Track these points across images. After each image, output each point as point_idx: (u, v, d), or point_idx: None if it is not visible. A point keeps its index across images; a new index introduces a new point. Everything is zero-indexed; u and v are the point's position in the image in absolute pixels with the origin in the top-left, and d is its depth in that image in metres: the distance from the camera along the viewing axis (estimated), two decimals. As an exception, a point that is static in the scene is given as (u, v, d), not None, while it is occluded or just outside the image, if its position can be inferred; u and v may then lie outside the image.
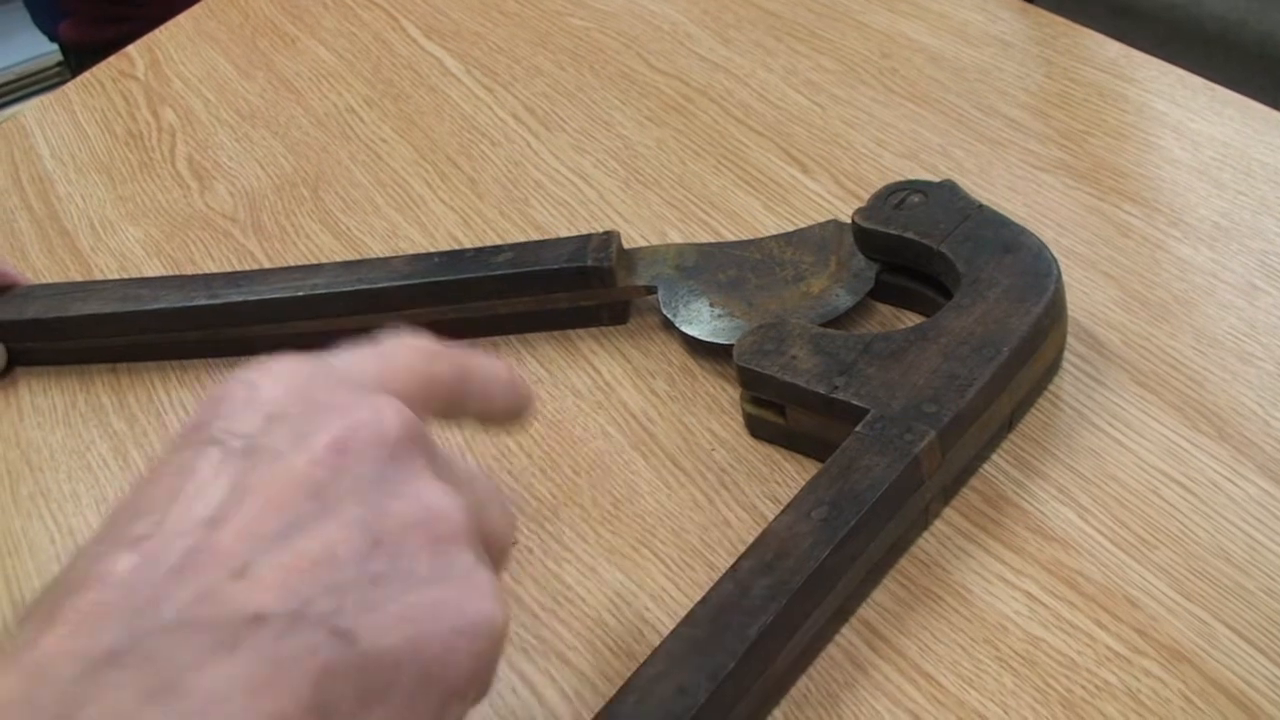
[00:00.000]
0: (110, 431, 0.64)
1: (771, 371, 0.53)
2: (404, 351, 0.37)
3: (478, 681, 0.32)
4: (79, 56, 1.58)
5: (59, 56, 1.82)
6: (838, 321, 0.58)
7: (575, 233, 0.67)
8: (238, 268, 0.72)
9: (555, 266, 0.61)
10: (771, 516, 0.48)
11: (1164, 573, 0.48)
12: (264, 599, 0.28)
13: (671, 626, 0.45)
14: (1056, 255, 0.54)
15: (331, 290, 0.63)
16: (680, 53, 0.80)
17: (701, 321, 0.59)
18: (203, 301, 0.64)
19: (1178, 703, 0.44)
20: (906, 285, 0.59)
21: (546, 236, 0.68)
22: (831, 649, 0.48)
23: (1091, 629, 0.46)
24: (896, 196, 0.59)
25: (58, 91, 0.93)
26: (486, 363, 0.39)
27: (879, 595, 0.49)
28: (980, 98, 0.71)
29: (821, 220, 0.63)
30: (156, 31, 0.96)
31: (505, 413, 0.41)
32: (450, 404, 0.38)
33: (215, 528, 0.29)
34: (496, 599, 0.32)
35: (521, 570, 0.53)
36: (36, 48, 2.30)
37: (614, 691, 0.43)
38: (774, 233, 0.63)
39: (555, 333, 0.63)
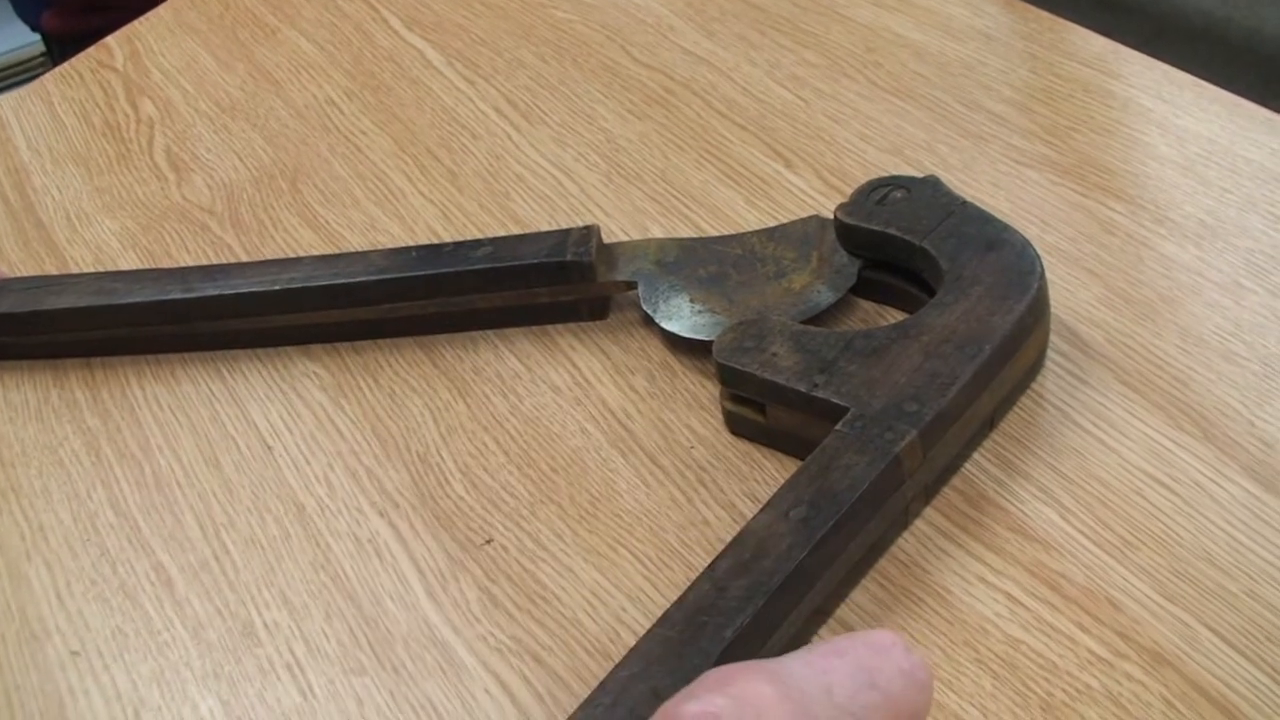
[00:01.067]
0: (83, 427, 0.63)
1: (751, 369, 0.52)
2: (910, 691, 0.32)
3: None
4: (62, 47, 1.57)
5: (42, 47, 1.81)
6: (819, 318, 0.57)
7: (556, 227, 0.66)
8: (214, 261, 0.71)
9: (534, 261, 0.60)
10: (750, 515, 0.47)
11: (1146, 575, 0.47)
12: None
13: (648, 627, 0.44)
14: (1040, 252, 0.54)
15: (308, 284, 0.62)
16: (663, 46, 0.79)
17: (682, 317, 0.58)
18: (178, 295, 0.64)
19: (1159, 707, 0.43)
20: (889, 282, 0.58)
21: (527, 230, 0.67)
22: (810, 650, 0.47)
23: (1073, 631, 0.46)
24: (879, 192, 0.58)
25: (35, 83, 0.92)
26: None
27: (858, 596, 0.48)
28: (964, 93, 0.70)
29: (804, 215, 0.62)
30: (136, 22, 0.95)
31: None
32: None
33: None
34: None
35: (496, 569, 0.52)
36: (19, 38, 2.29)
37: (588, 693, 0.42)
38: (756, 228, 0.63)
39: (534, 328, 0.62)
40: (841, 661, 0.31)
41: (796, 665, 0.31)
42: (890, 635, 0.33)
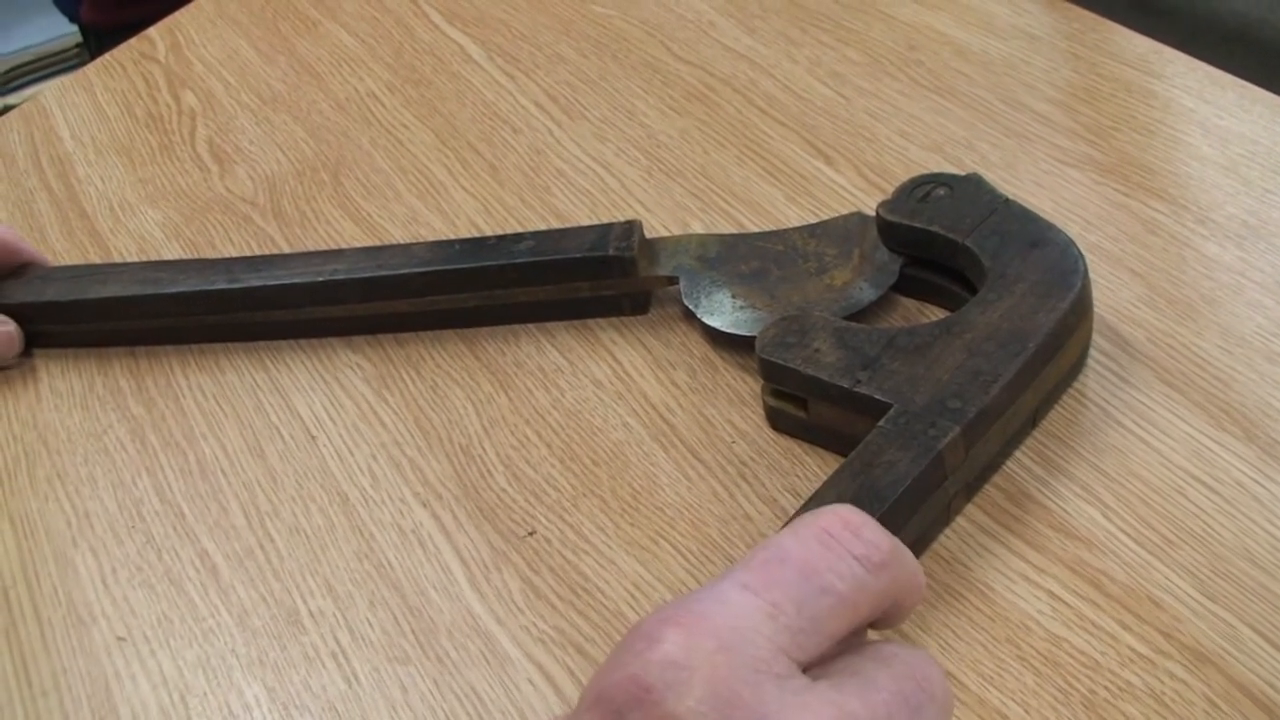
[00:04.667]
0: (128, 415, 0.64)
1: (794, 364, 0.52)
2: (870, 578, 0.29)
3: None
4: (99, 38, 1.58)
5: (78, 38, 1.82)
6: (861, 315, 0.57)
7: (596, 221, 0.66)
8: (257, 252, 0.72)
9: (577, 255, 0.60)
10: (792, 510, 0.47)
11: (1188, 573, 0.47)
12: None
13: (691, 620, 0.44)
14: (1082, 251, 0.54)
15: (351, 276, 0.63)
16: (704, 42, 0.79)
17: (723, 313, 0.59)
18: (222, 286, 0.64)
19: (1201, 705, 0.43)
20: (931, 279, 0.58)
21: (568, 225, 0.67)
22: (851, 645, 0.47)
23: (1115, 629, 0.46)
24: (921, 189, 0.59)
25: (78, 73, 0.93)
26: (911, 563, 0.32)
27: (900, 592, 0.49)
28: (1006, 91, 0.70)
29: (845, 212, 0.62)
30: (178, 14, 0.96)
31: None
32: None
33: None
34: None
35: (540, 561, 0.53)
36: (56, 29, 2.30)
37: (633, 685, 0.43)
38: (797, 224, 0.63)
39: (576, 322, 0.63)
40: (785, 571, 0.29)
41: (734, 593, 0.28)
42: (846, 514, 0.30)
